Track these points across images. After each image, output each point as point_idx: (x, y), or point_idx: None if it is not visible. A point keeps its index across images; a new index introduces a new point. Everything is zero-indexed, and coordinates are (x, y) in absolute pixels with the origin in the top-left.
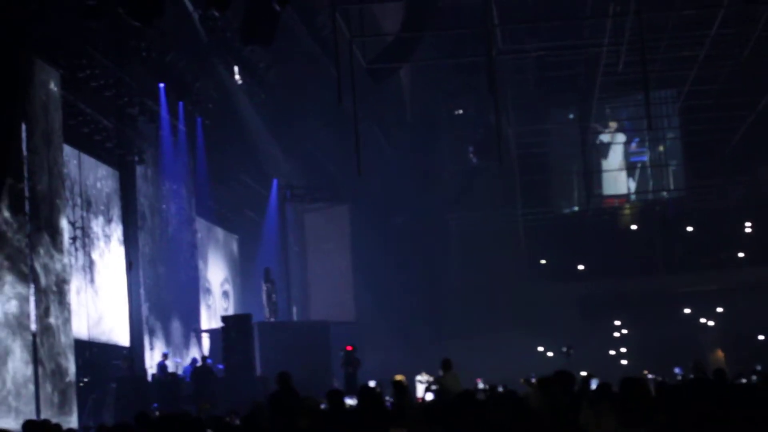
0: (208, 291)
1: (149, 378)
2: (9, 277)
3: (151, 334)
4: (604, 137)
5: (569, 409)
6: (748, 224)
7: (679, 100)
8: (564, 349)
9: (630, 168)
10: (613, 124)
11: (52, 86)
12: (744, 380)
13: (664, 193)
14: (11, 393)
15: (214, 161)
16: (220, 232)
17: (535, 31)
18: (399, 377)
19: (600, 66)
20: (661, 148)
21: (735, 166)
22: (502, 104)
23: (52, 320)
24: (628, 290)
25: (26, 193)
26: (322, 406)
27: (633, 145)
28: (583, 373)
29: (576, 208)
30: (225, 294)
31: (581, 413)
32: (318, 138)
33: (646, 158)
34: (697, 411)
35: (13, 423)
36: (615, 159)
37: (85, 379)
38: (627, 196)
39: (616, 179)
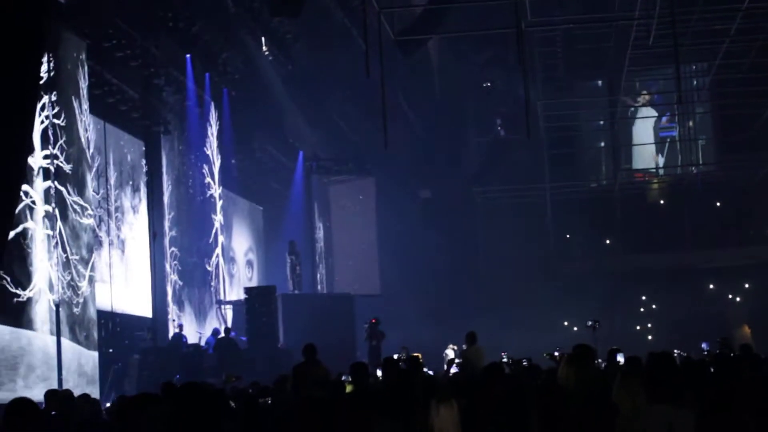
0: (232, 260)
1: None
2: (34, 247)
3: (174, 305)
4: (634, 111)
5: (595, 383)
6: None
7: (710, 74)
8: (589, 323)
9: (659, 143)
10: (643, 98)
11: (79, 56)
12: None
13: (693, 168)
14: (37, 363)
15: (239, 132)
16: (244, 204)
17: (565, 3)
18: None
19: (630, 39)
20: (690, 123)
21: (765, 141)
22: (530, 77)
23: (75, 290)
24: (655, 265)
25: (52, 164)
26: (344, 378)
27: (663, 120)
28: (610, 348)
29: (604, 183)
30: (249, 263)
31: (614, 389)
32: (344, 110)
33: (675, 133)
34: (724, 386)
35: (39, 393)
36: (644, 133)
37: (110, 350)
38: (656, 170)
39: (645, 154)
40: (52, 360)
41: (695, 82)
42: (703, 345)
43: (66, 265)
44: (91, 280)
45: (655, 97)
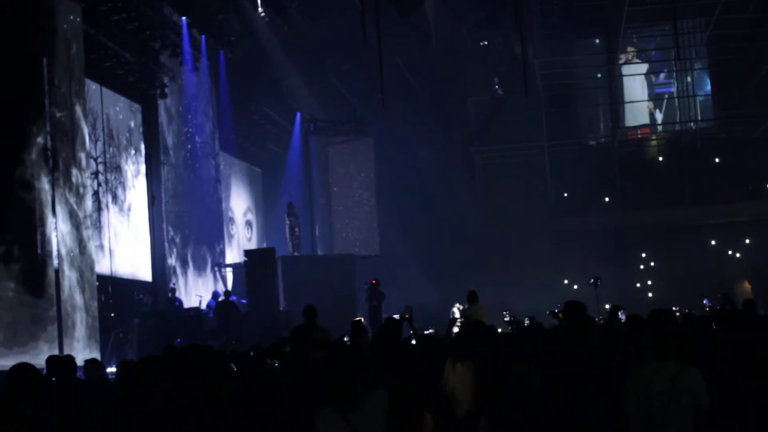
0: (231, 220)
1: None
2: (31, 212)
3: (174, 269)
4: (631, 68)
5: (591, 336)
6: None
7: (708, 30)
8: (591, 281)
9: (657, 99)
10: (639, 52)
11: (74, 19)
12: None
13: (692, 124)
14: (35, 328)
15: (237, 95)
16: (243, 166)
17: None
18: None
19: None
20: (689, 79)
21: (764, 97)
22: (527, 35)
23: (74, 255)
24: (655, 222)
25: (48, 128)
26: (345, 338)
27: (661, 77)
28: (609, 306)
29: (602, 140)
30: (248, 223)
31: (619, 347)
32: (342, 71)
33: (673, 89)
34: (726, 341)
35: (39, 358)
36: (642, 90)
37: (111, 315)
38: (653, 126)
39: (642, 111)
40: (54, 324)
41: (693, 38)
42: (705, 301)
43: (65, 229)
44: (91, 244)
45: (653, 53)
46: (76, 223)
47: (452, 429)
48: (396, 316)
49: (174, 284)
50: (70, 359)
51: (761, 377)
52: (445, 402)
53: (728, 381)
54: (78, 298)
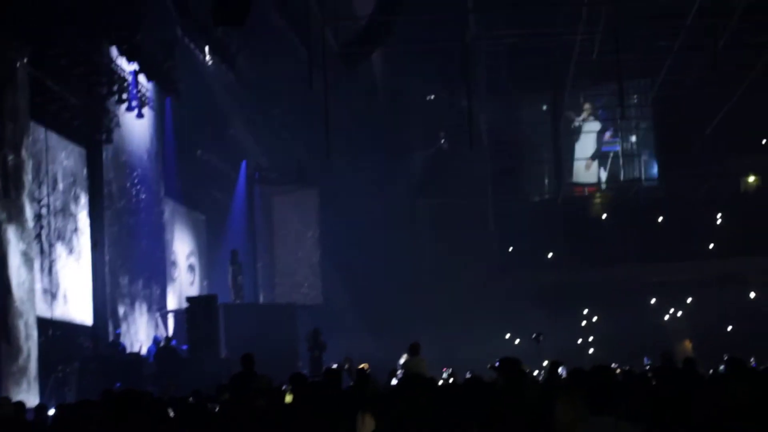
0: (174, 264)
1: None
2: None
3: (114, 314)
4: (577, 125)
5: (534, 394)
6: (719, 216)
7: (653, 90)
8: (534, 336)
9: (602, 157)
10: (586, 110)
11: (19, 63)
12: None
13: (636, 184)
14: None
15: (182, 141)
16: (187, 212)
17: (510, 18)
18: (364, 365)
19: (574, 54)
20: (633, 138)
21: (707, 158)
22: (474, 90)
23: (15, 297)
24: (598, 279)
25: None
26: (284, 387)
27: (607, 135)
28: (547, 362)
29: (546, 197)
30: (191, 267)
31: (558, 401)
32: (288, 121)
33: (618, 148)
34: (664, 398)
35: None
36: (587, 147)
37: (51, 358)
38: (598, 184)
39: (588, 168)
40: None
41: (639, 98)
42: (645, 360)
43: (6, 272)
44: (32, 287)
45: (599, 112)
46: (16, 265)
47: None
48: (335, 366)
49: (118, 330)
50: (6, 401)
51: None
52: None
53: None
54: (17, 340)
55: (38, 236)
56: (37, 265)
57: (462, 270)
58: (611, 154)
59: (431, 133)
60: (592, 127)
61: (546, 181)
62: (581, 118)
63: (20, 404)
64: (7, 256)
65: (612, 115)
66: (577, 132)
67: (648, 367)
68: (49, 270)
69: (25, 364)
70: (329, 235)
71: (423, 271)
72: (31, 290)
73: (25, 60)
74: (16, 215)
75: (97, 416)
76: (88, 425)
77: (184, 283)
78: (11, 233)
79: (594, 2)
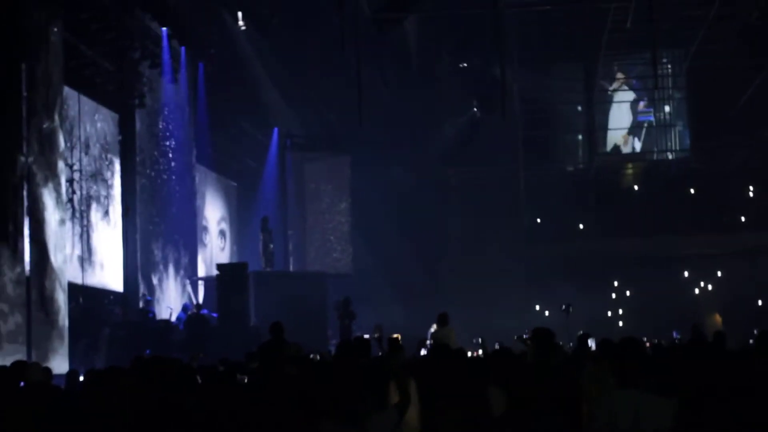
0: (205, 229)
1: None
2: (4, 219)
3: (145, 280)
4: (610, 95)
5: (562, 364)
6: (751, 188)
7: (687, 60)
8: (563, 307)
9: (636, 127)
10: (619, 79)
11: (54, 28)
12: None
13: (669, 154)
14: (3, 335)
15: (215, 108)
16: (219, 179)
17: None
18: (396, 336)
19: (608, 22)
20: (667, 109)
21: (740, 129)
22: (507, 58)
23: (45, 263)
24: (628, 251)
25: (24, 134)
26: (311, 356)
27: (641, 105)
28: (580, 333)
29: (578, 167)
30: (221, 233)
31: (585, 372)
32: (320, 87)
33: (652, 118)
34: (692, 371)
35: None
36: (621, 117)
37: (80, 324)
38: (631, 155)
39: (625, 141)
40: (22, 333)
41: (672, 68)
42: (674, 333)
43: (37, 236)
44: (63, 253)
45: (633, 81)
46: (48, 230)
47: None
48: (366, 336)
49: (149, 296)
50: (37, 366)
51: (727, 410)
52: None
53: (693, 413)
54: (47, 306)
55: (70, 201)
56: (69, 230)
57: (492, 240)
58: (645, 124)
59: (463, 101)
60: (626, 96)
61: (578, 151)
62: (614, 87)
63: (48, 370)
64: (44, 221)
65: (645, 85)
66: (610, 101)
67: (677, 341)
68: (80, 235)
69: (56, 330)
70: (360, 203)
71: (453, 240)
72: (65, 255)
73: (58, 26)
74: (51, 180)
75: (127, 383)
76: (117, 392)
77: (214, 248)
78: (48, 198)
79: None
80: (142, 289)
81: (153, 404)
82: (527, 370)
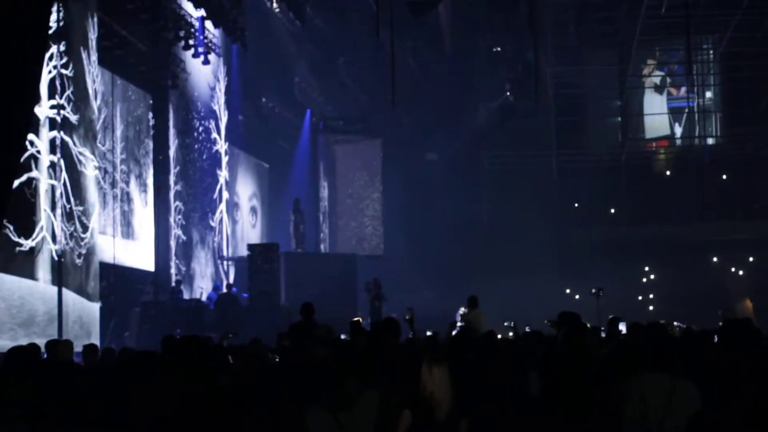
0: (236, 206)
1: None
2: (37, 198)
3: (177, 260)
4: (644, 80)
5: (586, 348)
6: None
7: (721, 46)
8: (593, 291)
9: (676, 112)
10: (652, 65)
11: (88, 7)
12: None
13: (697, 141)
14: (38, 313)
15: (248, 89)
16: (251, 160)
17: None
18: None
19: (642, 8)
20: (709, 94)
21: None
22: (541, 43)
23: (78, 242)
24: (659, 236)
25: (59, 114)
26: (343, 336)
27: (682, 90)
28: (611, 316)
29: (611, 152)
30: (253, 210)
31: (612, 357)
32: (353, 70)
33: (693, 103)
34: (722, 357)
35: (39, 343)
36: (655, 103)
37: (111, 303)
38: (669, 138)
39: (657, 124)
40: (54, 310)
41: (704, 55)
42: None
43: (70, 216)
44: (95, 232)
45: (665, 68)
46: (81, 209)
47: (433, 431)
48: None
49: (179, 277)
50: (69, 344)
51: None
52: (425, 404)
53: (723, 397)
54: (79, 284)
55: (103, 180)
56: (101, 209)
57: (523, 224)
58: (686, 110)
59: (497, 85)
60: (659, 81)
61: (611, 136)
62: (649, 72)
63: (93, 347)
64: (78, 200)
65: (680, 71)
66: (644, 87)
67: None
68: (113, 215)
69: (87, 310)
70: (392, 186)
71: (484, 224)
72: (97, 235)
73: (93, 5)
74: (84, 159)
75: (160, 365)
76: (151, 374)
77: (245, 224)
78: (82, 177)
79: None
80: (173, 268)
81: (185, 385)
82: (558, 353)
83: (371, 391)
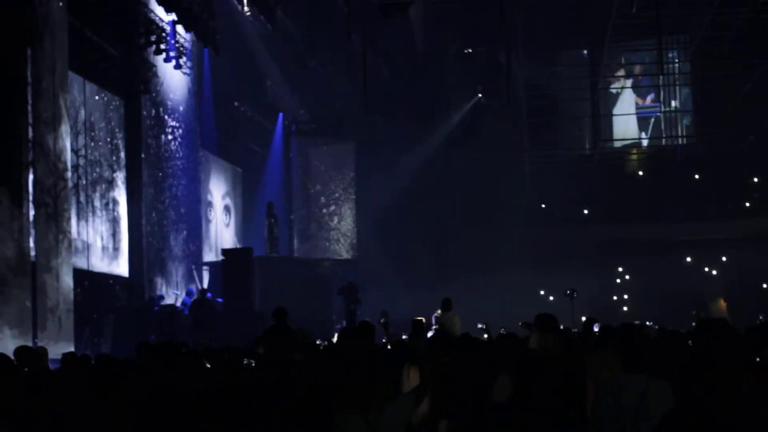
0: (210, 204)
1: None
2: (9, 204)
3: (150, 266)
4: (615, 83)
5: (568, 350)
6: (755, 174)
7: (692, 47)
8: (567, 292)
9: (642, 120)
10: (623, 67)
11: (59, 11)
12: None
13: (664, 141)
14: (9, 320)
15: (220, 94)
16: (224, 165)
17: None
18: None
19: (613, 9)
20: (674, 104)
21: (745, 116)
22: (512, 45)
23: (50, 248)
24: (633, 237)
25: (29, 119)
26: (318, 342)
27: (648, 99)
28: (585, 318)
29: (583, 153)
30: (226, 209)
31: (588, 358)
32: (325, 73)
33: (659, 112)
34: (697, 356)
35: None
36: (626, 105)
37: (85, 309)
38: (637, 142)
39: (626, 128)
40: (28, 317)
41: (677, 55)
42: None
43: (42, 220)
44: (68, 238)
45: (637, 68)
46: (54, 216)
47: None
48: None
49: (154, 281)
50: (42, 351)
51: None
52: None
53: (697, 394)
54: (53, 291)
55: (76, 186)
56: (74, 215)
57: (497, 226)
58: (652, 119)
59: (468, 87)
60: (631, 84)
61: (583, 137)
62: (620, 74)
63: (43, 350)
64: (50, 206)
65: (650, 71)
66: (615, 89)
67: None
68: (86, 221)
69: (61, 316)
70: (365, 189)
71: (458, 226)
72: (70, 241)
73: (63, 10)
74: (57, 165)
75: (135, 371)
76: (125, 379)
77: (219, 224)
78: (53, 183)
79: None
80: (146, 274)
81: (160, 391)
82: (532, 355)
83: (406, 395)
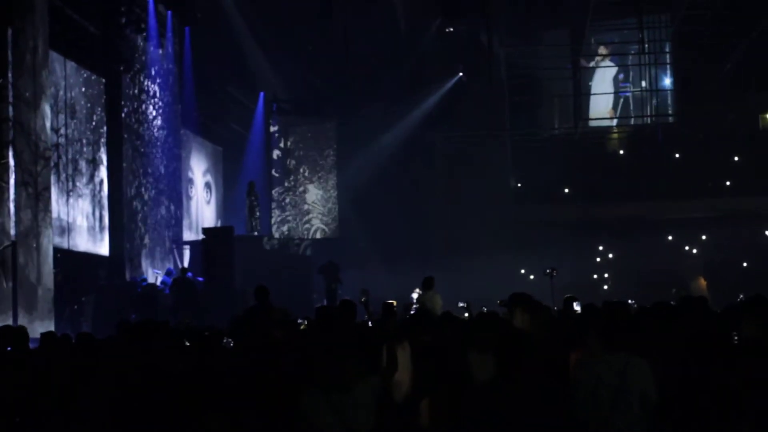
0: (191, 181)
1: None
2: None
3: (131, 245)
4: (594, 63)
5: (545, 327)
6: (736, 153)
7: (673, 25)
8: (547, 271)
9: (618, 95)
10: (604, 45)
11: None
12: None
13: (648, 119)
14: None
15: (201, 73)
16: (205, 144)
17: None
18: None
19: None
20: (644, 84)
21: (727, 94)
22: (493, 23)
23: (31, 227)
24: (613, 215)
25: (10, 98)
26: (300, 321)
27: (621, 77)
28: (566, 296)
29: (564, 132)
30: (207, 185)
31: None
32: (307, 52)
33: (629, 93)
34: (677, 334)
35: None
36: (605, 84)
37: (66, 288)
38: (616, 119)
39: (606, 103)
40: (7, 297)
41: (659, 33)
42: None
43: (23, 201)
44: (48, 217)
45: (618, 47)
46: (34, 195)
47: (393, 412)
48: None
49: (135, 260)
50: (23, 330)
51: (714, 361)
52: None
53: (681, 367)
54: (33, 271)
55: (56, 165)
56: (54, 195)
57: (478, 204)
58: (621, 100)
59: (449, 66)
60: (610, 63)
61: (564, 116)
62: (600, 51)
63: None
64: (30, 185)
65: (631, 50)
66: (594, 68)
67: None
68: (67, 200)
69: (41, 295)
70: (346, 168)
71: (439, 205)
72: (50, 220)
73: None
74: (37, 145)
75: (114, 347)
76: (107, 358)
77: (200, 201)
78: (33, 163)
79: None
80: (127, 253)
81: (142, 370)
82: (513, 334)
83: (373, 376)
